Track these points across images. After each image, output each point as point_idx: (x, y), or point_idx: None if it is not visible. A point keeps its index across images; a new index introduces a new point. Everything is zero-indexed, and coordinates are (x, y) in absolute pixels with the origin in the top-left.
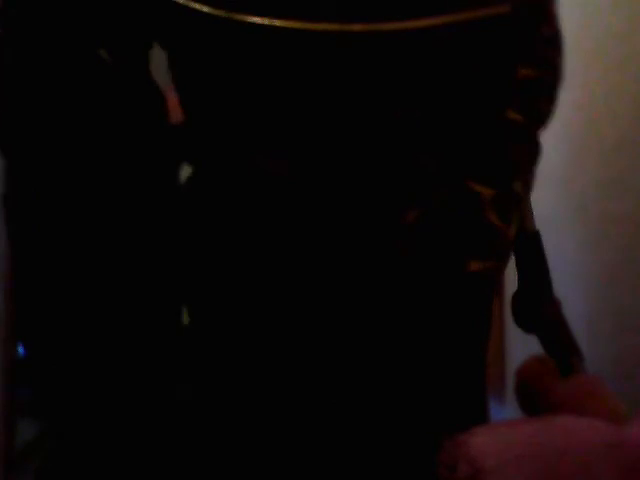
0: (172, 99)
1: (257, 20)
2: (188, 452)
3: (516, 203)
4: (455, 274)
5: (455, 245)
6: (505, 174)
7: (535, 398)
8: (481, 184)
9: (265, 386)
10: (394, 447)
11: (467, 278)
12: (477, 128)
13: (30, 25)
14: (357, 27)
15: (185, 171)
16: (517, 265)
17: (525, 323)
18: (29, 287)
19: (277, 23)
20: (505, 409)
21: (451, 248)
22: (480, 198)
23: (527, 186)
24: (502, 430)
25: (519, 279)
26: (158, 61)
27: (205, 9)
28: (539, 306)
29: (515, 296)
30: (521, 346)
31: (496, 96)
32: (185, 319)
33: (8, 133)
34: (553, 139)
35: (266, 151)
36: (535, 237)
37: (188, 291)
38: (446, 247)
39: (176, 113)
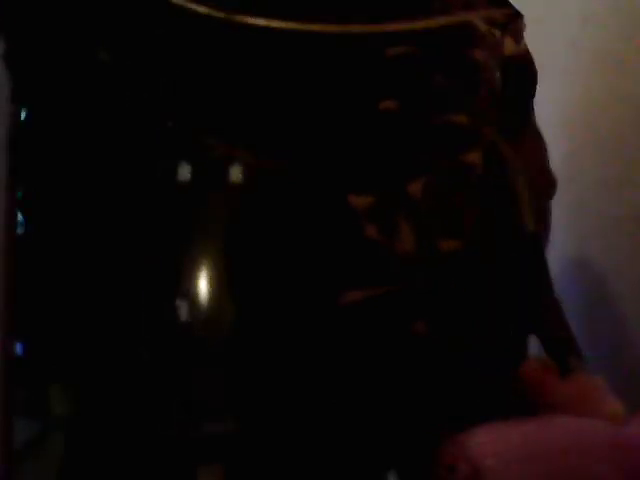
0: None
1: (256, 21)
2: (190, 452)
3: (411, 209)
4: (327, 307)
5: (327, 272)
6: (385, 175)
7: (535, 398)
8: (355, 191)
9: (267, 383)
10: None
11: (344, 311)
12: (346, 126)
13: (28, 26)
14: (356, 28)
15: (184, 169)
16: (517, 265)
17: (525, 323)
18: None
19: (276, 25)
20: None
21: (322, 276)
22: (355, 209)
23: (437, 185)
24: (502, 430)
25: (519, 279)
26: None
27: (203, 10)
28: (539, 306)
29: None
30: None
31: (366, 84)
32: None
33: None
34: (552, 139)
35: (267, 151)
36: (535, 237)
37: (189, 290)
38: (317, 276)
39: None
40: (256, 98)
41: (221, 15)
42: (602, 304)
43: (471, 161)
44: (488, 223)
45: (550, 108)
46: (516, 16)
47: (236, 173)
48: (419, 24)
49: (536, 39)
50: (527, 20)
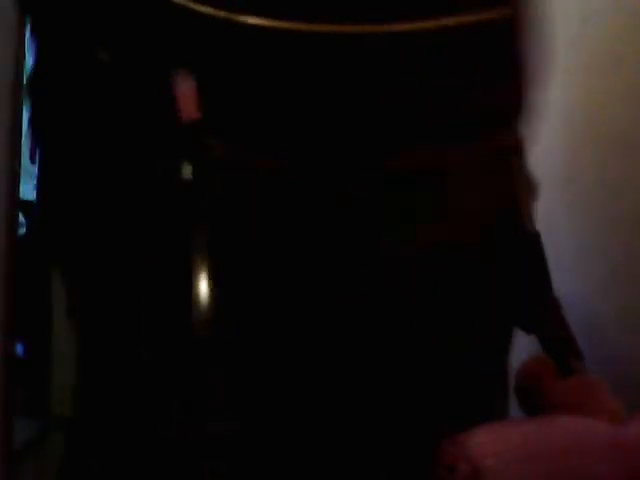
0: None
1: (258, 21)
2: (192, 452)
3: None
4: (327, 308)
5: (327, 272)
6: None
7: (535, 398)
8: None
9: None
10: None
11: (343, 312)
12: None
13: (31, 27)
14: (356, 28)
15: (184, 169)
16: (517, 265)
17: (525, 323)
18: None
19: (276, 24)
20: None
21: (323, 275)
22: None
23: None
24: (502, 430)
25: (519, 279)
26: None
27: (204, 10)
28: (539, 306)
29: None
30: (521, 346)
31: (368, 82)
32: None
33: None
34: (552, 139)
35: (266, 151)
36: (535, 238)
37: (189, 289)
38: (318, 275)
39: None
40: (256, 97)
41: (222, 15)
42: (602, 304)
43: (506, 143)
44: (489, 222)
45: (550, 108)
46: None
47: (235, 173)
48: (441, 22)
49: None
50: None
